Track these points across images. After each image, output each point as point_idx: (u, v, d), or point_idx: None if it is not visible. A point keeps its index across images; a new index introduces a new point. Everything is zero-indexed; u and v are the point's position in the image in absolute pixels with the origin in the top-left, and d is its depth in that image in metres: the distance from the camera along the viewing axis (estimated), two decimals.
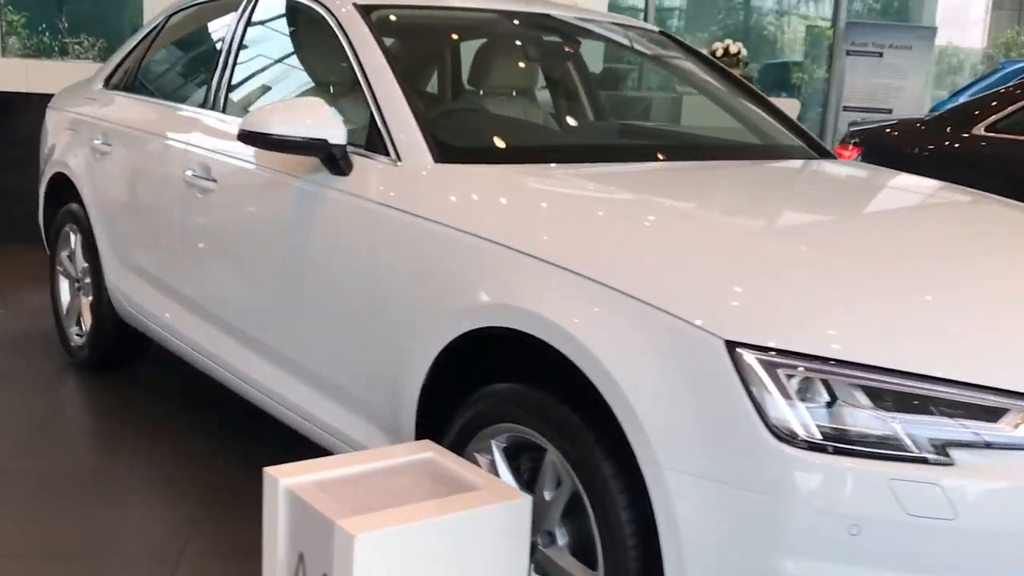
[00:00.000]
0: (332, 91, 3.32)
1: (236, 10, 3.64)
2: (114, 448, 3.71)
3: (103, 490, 3.33)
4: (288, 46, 3.63)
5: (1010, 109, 4.99)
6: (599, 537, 2.07)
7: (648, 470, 1.93)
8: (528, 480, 2.29)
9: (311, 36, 3.46)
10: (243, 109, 3.50)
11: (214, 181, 3.27)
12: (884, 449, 1.81)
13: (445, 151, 2.68)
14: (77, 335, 4.49)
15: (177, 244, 3.51)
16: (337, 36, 3.10)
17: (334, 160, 2.76)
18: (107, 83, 4.44)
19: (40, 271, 4.98)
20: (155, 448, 3.65)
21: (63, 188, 4.47)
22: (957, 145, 5.13)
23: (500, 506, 2.03)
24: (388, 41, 3.07)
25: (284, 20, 3.61)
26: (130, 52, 4.37)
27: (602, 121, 3.76)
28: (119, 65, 4.41)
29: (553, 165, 2.75)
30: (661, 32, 3.84)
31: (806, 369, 1.85)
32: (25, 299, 5.55)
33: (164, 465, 3.52)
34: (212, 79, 3.57)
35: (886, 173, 3.20)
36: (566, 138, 3.39)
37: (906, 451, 1.80)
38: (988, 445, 1.80)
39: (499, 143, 3.06)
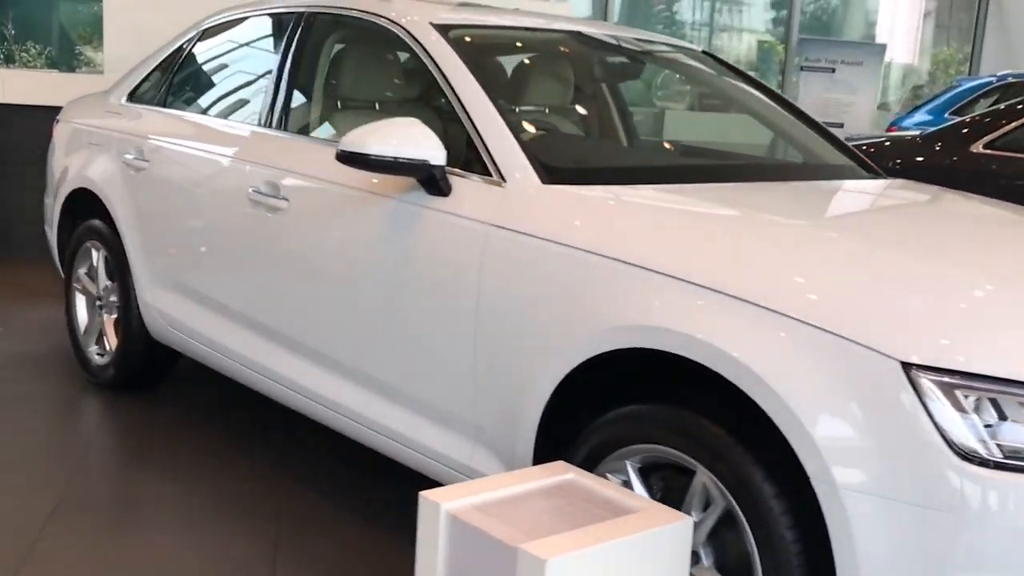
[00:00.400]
0: (407, 110, 3.31)
1: (290, 25, 3.60)
2: (155, 471, 3.63)
3: (162, 514, 3.27)
4: (353, 64, 3.60)
5: (1010, 127, 5.16)
6: (759, 558, 2.10)
7: (822, 489, 1.97)
8: (661, 499, 2.31)
9: (380, 54, 3.45)
10: (305, 127, 3.48)
11: (285, 200, 3.23)
12: None
13: (551, 173, 2.69)
14: (99, 355, 4.39)
15: (237, 262, 3.46)
16: (415, 55, 3.10)
17: (434, 181, 2.76)
18: (131, 96, 4.36)
19: (37, 286, 4.86)
20: (200, 470, 3.59)
21: (81, 204, 4.38)
22: (956, 159, 5.29)
23: (668, 527, 2.04)
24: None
25: (348, 37, 3.59)
26: (158, 66, 4.29)
27: (674, 141, 3.80)
28: (145, 79, 4.33)
29: (661, 186, 2.77)
30: (704, 52, 3.90)
31: (979, 389, 1.91)
32: (23, 316, 5.40)
33: (220, 486, 3.46)
34: (270, 96, 3.53)
35: (951, 193, 3.28)
36: (657, 159, 3.39)
37: None
38: None
39: (599, 164, 3.07)
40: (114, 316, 4.30)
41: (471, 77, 2.94)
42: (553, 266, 2.48)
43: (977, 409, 1.91)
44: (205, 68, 4.22)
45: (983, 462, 1.87)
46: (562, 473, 2.29)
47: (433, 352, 2.76)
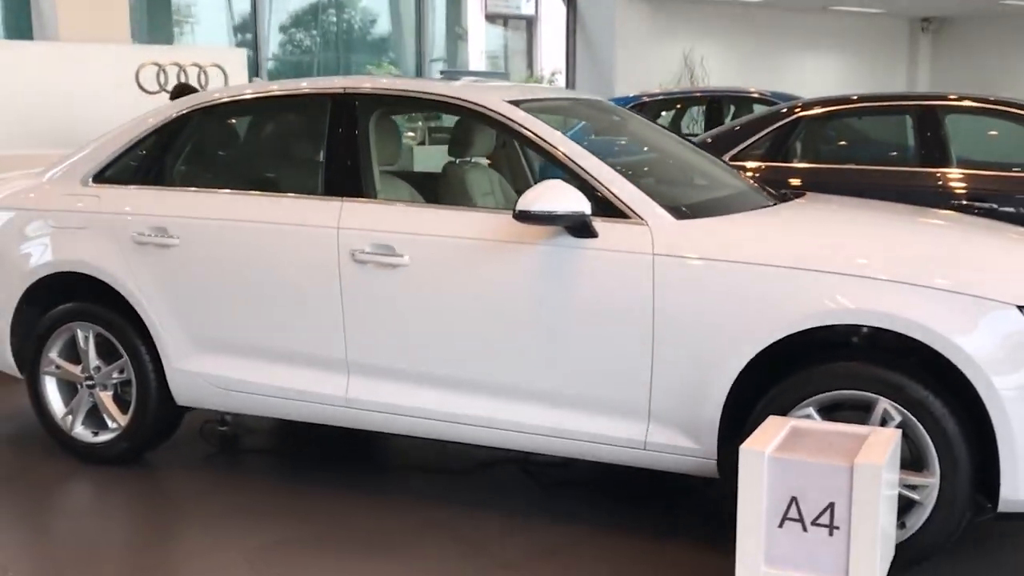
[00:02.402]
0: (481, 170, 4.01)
1: (336, 107, 4.08)
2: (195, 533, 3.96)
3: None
4: (415, 134, 4.17)
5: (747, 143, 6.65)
6: (937, 455, 3.17)
7: (987, 395, 3.09)
8: None
9: (449, 128, 4.08)
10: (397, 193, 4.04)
11: (400, 256, 3.77)
12: None
13: (677, 211, 3.58)
14: (93, 433, 4.47)
15: (338, 316, 3.88)
16: (504, 126, 3.84)
17: (585, 227, 3.52)
18: (98, 178, 4.46)
19: None
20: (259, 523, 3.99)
21: (48, 290, 4.44)
22: None
23: (895, 436, 3.06)
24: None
25: (418, 115, 4.15)
26: (132, 148, 4.43)
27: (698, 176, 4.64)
28: (114, 161, 4.45)
29: (742, 214, 3.75)
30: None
31: None
32: None
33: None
34: (339, 169, 3.99)
35: (867, 202, 4.54)
36: (715, 193, 4.24)
37: None
38: None
39: (694, 201, 3.93)
40: (111, 393, 4.42)
41: (570, 142, 3.74)
42: (726, 278, 3.38)
43: None
44: (225, 146, 4.47)
45: None
46: (784, 425, 3.20)
47: (605, 358, 3.52)
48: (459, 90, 4.06)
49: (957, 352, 3.12)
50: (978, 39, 19.33)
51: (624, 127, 4.76)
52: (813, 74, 17.94)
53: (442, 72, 14.98)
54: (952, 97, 6.66)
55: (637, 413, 3.54)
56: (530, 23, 19.06)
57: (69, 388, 4.54)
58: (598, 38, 14.68)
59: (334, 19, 15.58)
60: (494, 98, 3.93)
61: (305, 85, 4.37)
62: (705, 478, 3.57)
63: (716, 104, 11.23)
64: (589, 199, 3.55)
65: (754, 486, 2.97)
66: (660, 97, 11.40)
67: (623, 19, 14.35)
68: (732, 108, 11.60)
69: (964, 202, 6.03)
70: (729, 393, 3.40)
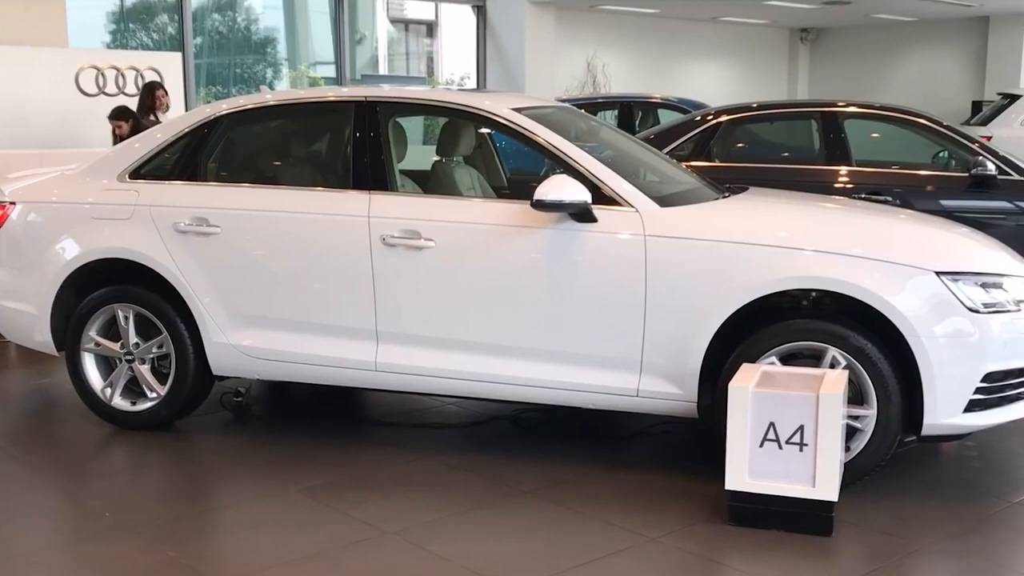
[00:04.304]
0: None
1: (358, 113, 4.74)
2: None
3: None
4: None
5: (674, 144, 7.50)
6: (875, 389, 4.01)
7: (913, 341, 3.95)
8: None
9: (465, 131, 4.82)
10: (414, 186, 4.71)
11: (431, 240, 4.46)
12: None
13: (660, 200, 4.36)
14: (131, 403, 5.02)
15: (373, 292, 4.54)
16: (512, 130, 4.57)
17: (587, 213, 4.27)
18: (136, 175, 5.02)
19: None
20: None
21: (89, 276, 4.99)
22: None
23: (845, 377, 3.89)
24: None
25: (433, 120, 4.82)
26: (166, 147, 5.00)
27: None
28: (150, 159, 5.02)
29: (709, 203, 4.56)
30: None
31: (969, 274, 4.04)
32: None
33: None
34: (370, 165, 4.65)
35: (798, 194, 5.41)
36: (683, 185, 4.98)
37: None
38: None
39: (670, 192, 4.67)
40: (148, 366, 4.98)
41: (569, 143, 4.49)
42: (706, 253, 4.16)
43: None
44: (259, 146, 5.07)
45: (977, 311, 3.98)
46: (756, 370, 4.00)
47: (604, 321, 4.27)
48: (470, 98, 4.76)
49: (891, 309, 3.97)
50: (852, 48, 20.82)
51: (597, 131, 5.52)
52: (703, 80, 19.10)
53: (363, 76, 15.54)
54: (841, 104, 7.61)
55: (631, 366, 4.29)
56: (430, 28, 19.76)
57: (106, 363, 5.08)
58: (508, 45, 15.46)
59: (219, 21, 15.88)
60: (502, 106, 4.65)
61: (331, 93, 5.02)
62: (672, 423, 4.35)
63: (627, 108, 12.13)
64: (589, 191, 4.30)
65: (740, 415, 3.76)
66: (577, 102, 12.23)
67: (531, 27, 15.16)
68: (639, 113, 12.55)
69: (863, 195, 6.98)
70: (708, 347, 4.19)
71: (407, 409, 5.38)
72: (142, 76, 11.18)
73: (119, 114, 9.02)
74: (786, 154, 7.96)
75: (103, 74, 10.81)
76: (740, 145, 7.93)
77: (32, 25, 10.84)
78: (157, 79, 10.58)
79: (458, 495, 4.24)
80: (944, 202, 6.97)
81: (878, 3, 16.71)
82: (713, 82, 19.14)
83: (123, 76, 11.02)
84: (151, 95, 9.55)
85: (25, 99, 10.30)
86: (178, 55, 11.72)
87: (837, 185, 7.17)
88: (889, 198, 6.95)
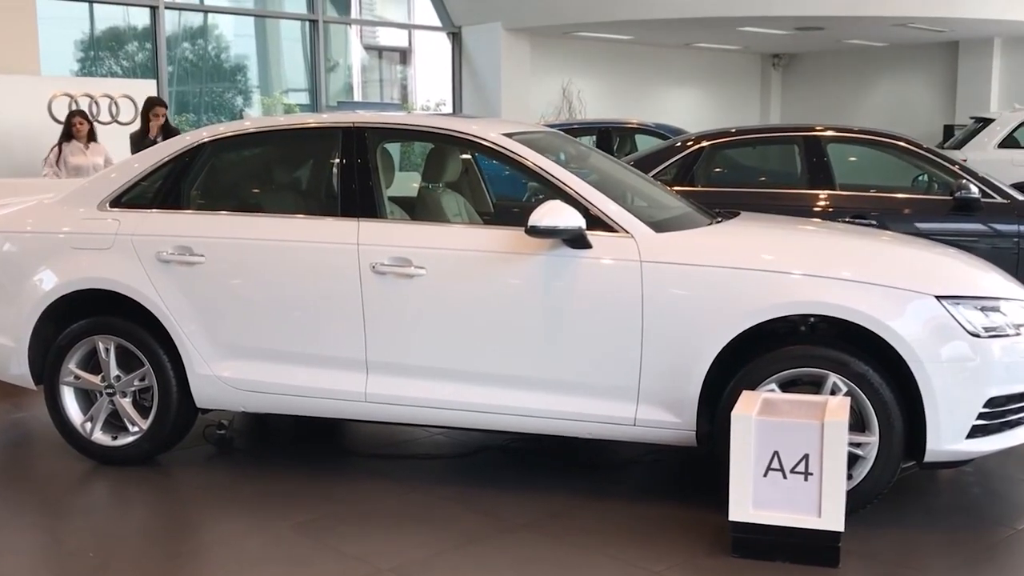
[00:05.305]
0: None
1: (347, 140, 4.65)
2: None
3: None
4: (419, 163, 4.77)
5: (657, 169, 7.45)
6: (876, 415, 3.95)
7: (915, 366, 3.89)
8: None
9: (454, 155, 4.71)
10: (402, 213, 4.61)
11: (419, 268, 4.36)
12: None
13: (654, 226, 4.29)
14: (112, 437, 4.88)
15: (363, 321, 4.43)
16: (501, 155, 4.49)
17: (582, 239, 4.19)
18: (116, 203, 4.89)
19: None
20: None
21: (67, 307, 4.85)
22: None
23: (848, 403, 3.83)
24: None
25: (422, 147, 4.74)
26: (147, 175, 4.89)
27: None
28: (130, 188, 4.90)
29: (703, 229, 4.50)
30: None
31: (971, 299, 3.99)
32: None
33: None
34: (357, 192, 4.55)
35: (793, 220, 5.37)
36: (675, 211, 4.90)
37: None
38: None
39: (663, 217, 4.60)
40: (130, 399, 4.85)
41: (564, 170, 4.41)
42: (703, 279, 4.09)
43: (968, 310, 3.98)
44: (244, 173, 4.96)
45: (977, 335, 3.94)
46: (757, 397, 3.93)
47: (601, 350, 4.19)
48: (460, 124, 4.68)
49: (892, 333, 3.91)
50: (824, 74, 20.98)
51: (586, 156, 5.45)
52: (677, 105, 19.18)
53: (339, 103, 15.48)
54: (820, 128, 7.60)
55: (628, 394, 4.21)
56: (404, 55, 19.72)
57: (86, 396, 4.94)
58: (484, 71, 15.45)
59: (189, 49, 15.78)
60: (493, 132, 4.58)
61: (318, 120, 4.93)
62: (663, 450, 4.27)
63: (606, 134, 12.11)
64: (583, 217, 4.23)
65: (744, 444, 3.68)
66: (554, 127, 12.20)
67: (507, 54, 15.16)
68: (617, 138, 12.53)
69: (848, 219, 6.95)
70: (707, 374, 4.11)
71: (395, 440, 5.27)
72: (116, 104, 11.07)
73: (156, 102, 9.65)
74: (769, 179, 7.94)
75: (75, 101, 10.67)
76: (722, 170, 7.90)
77: (3, 53, 10.71)
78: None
79: (452, 529, 4.14)
80: (927, 225, 6.97)
81: (849, 29, 16.85)
82: (687, 108, 19.22)
83: (96, 104, 10.89)
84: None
85: None
86: (153, 82, 11.60)
87: (818, 209, 7.15)
88: (874, 222, 6.94)
